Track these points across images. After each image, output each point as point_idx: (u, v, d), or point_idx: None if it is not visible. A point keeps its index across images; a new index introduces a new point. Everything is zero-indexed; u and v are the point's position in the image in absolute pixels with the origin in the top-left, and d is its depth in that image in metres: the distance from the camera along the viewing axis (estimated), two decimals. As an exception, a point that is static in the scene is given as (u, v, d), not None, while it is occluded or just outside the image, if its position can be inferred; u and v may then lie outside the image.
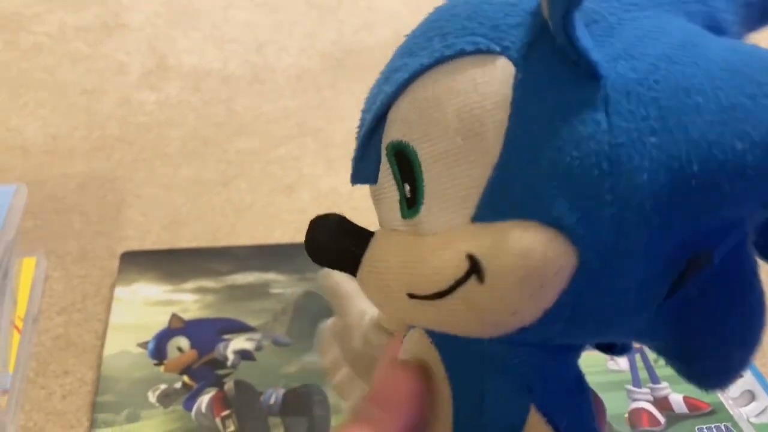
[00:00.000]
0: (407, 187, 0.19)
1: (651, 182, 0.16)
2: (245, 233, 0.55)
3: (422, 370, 0.21)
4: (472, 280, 0.17)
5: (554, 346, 0.19)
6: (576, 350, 0.21)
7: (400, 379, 0.21)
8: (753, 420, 0.39)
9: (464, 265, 0.17)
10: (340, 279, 0.31)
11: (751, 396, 0.40)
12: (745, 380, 0.41)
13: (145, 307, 0.47)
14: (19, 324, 0.45)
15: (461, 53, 0.18)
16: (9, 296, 0.45)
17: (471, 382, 0.20)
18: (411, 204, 0.19)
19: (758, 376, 0.42)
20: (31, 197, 0.52)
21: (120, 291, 0.48)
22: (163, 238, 0.54)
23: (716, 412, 0.37)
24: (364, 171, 0.21)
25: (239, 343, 0.45)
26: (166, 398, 0.42)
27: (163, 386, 0.42)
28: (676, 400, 0.37)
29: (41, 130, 0.64)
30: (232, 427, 0.40)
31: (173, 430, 0.40)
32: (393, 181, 0.20)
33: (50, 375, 0.44)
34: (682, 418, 0.37)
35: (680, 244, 0.17)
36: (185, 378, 0.43)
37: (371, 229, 0.21)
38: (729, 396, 0.40)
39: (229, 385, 0.43)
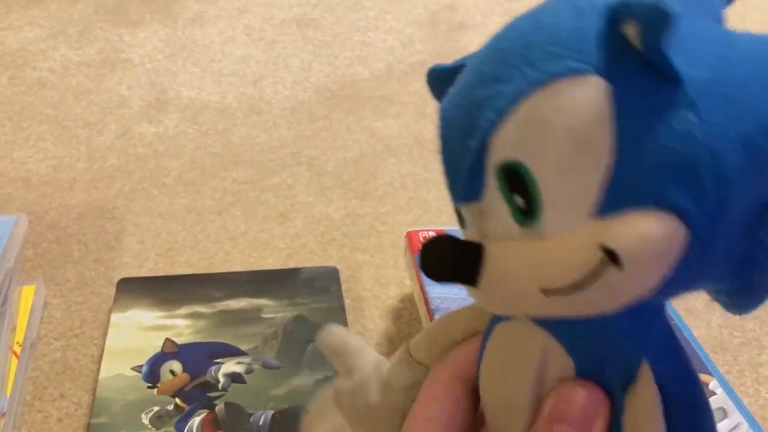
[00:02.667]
0: (519, 200, 0.21)
1: (736, 159, 0.20)
2: (239, 259, 0.56)
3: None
4: (611, 269, 0.20)
5: (650, 303, 0.22)
6: (664, 306, 0.24)
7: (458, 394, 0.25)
8: (726, 436, 0.40)
9: (598, 256, 0.20)
10: (345, 333, 0.31)
11: (724, 413, 0.41)
12: (718, 398, 0.42)
13: (139, 332, 0.48)
14: (17, 349, 0.47)
15: (557, 76, 0.20)
16: (8, 322, 0.46)
17: (591, 351, 0.23)
18: (527, 214, 0.21)
19: (730, 394, 0.43)
20: (32, 227, 0.54)
21: (116, 317, 0.49)
22: (159, 265, 0.56)
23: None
24: (468, 191, 0.22)
25: (230, 366, 0.46)
26: (158, 420, 0.43)
27: (156, 408, 0.44)
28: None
29: (43, 162, 0.66)
30: (222, 448, 0.42)
31: (165, 450, 0.41)
32: (502, 196, 0.21)
33: (47, 398, 0.46)
34: None
35: (758, 199, 0.21)
36: (177, 400, 0.44)
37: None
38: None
39: (219, 407, 0.44)
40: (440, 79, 0.25)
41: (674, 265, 0.20)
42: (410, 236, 0.52)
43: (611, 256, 0.20)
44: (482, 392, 0.26)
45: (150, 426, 0.43)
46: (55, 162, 0.66)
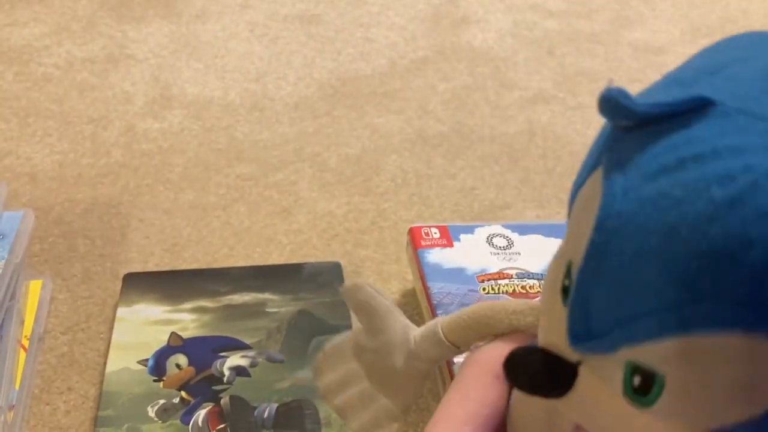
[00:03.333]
0: (637, 379, 0.19)
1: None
2: (243, 255, 0.57)
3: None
4: None
5: None
6: None
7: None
8: None
9: None
10: (374, 293, 0.31)
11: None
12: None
13: (145, 326, 0.49)
14: (26, 343, 0.47)
15: (733, 329, 0.18)
16: (16, 317, 0.47)
17: None
18: (639, 392, 0.19)
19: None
20: (38, 222, 0.55)
21: (122, 311, 0.50)
22: (164, 260, 0.56)
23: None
24: (589, 350, 0.21)
25: (235, 360, 0.47)
26: (164, 413, 0.44)
27: (162, 401, 0.44)
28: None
29: (49, 158, 0.66)
30: (227, 440, 0.42)
31: (171, 442, 0.42)
32: (621, 367, 0.20)
33: (54, 391, 0.46)
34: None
35: None
36: (183, 393, 0.45)
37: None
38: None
39: (224, 400, 0.45)
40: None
41: None
42: (413, 232, 0.52)
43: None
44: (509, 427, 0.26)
45: (156, 419, 0.43)
46: (60, 157, 0.66)
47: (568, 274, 0.21)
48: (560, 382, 0.21)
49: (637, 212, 0.18)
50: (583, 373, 0.21)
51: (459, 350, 0.30)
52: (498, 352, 0.26)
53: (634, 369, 0.19)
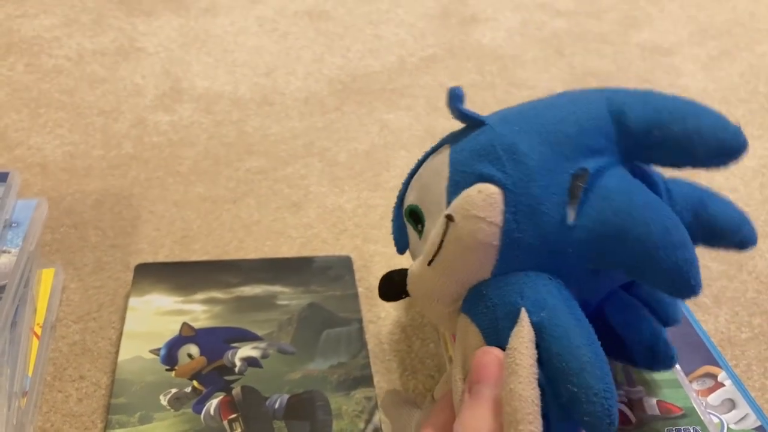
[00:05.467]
0: (419, 227, 0.38)
1: (525, 148, 0.33)
2: (253, 248, 0.57)
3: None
4: (450, 226, 0.33)
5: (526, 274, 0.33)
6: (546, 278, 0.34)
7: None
8: (733, 426, 0.41)
9: (443, 223, 0.33)
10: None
11: (732, 404, 0.42)
12: (726, 389, 0.43)
13: (157, 316, 0.49)
14: (38, 331, 0.48)
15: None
16: (29, 304, 0.47)
17: (489, 316, 0.32)
18: (420, 230, 0.37)
19: (738, 386, 0.44)
20: (49, 212, 0.55)
21: (134, 301, 0.50)
22: (175, 252, 0.56)
23: (687, 416, 0.39)
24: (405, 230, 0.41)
25: (246, 351, 0.47)
26: (176, 401, 0.44)
27: (174, 390, 0.45)
28: (650, 403, 0.40)
29: (60, 149, 0.67)
30: (239, 430, 0.43)
31: (183, 431, 0.42)
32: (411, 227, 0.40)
33: (67, 379, 0.47)
34: (653, 419, 0.39)
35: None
36: (195, 383, 0.45)
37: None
38: (710, 404, 0.42)
39: (236, 390, 0.45)
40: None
41: (499, 231, 0.31)
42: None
43: (448, 218, 0.32)
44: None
45: (168, 407, 0.44)
46: (71, 149, 0.67)
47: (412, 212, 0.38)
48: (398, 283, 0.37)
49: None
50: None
51: None
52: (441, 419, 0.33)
53: (409, 216, 0.38)
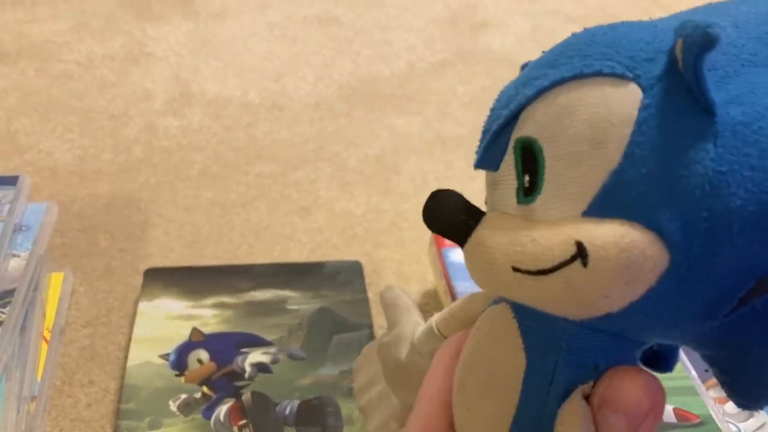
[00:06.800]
0: (527, 178, 0.22)
1: (741, 208, 0.19)
2: (263, 252, 0.57)
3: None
4: (576, 264, 0.20)
5: (624, 338, 0.22)
6: (639, 346, 0.23)
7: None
8: (751, 435, 0.40)
9: (571, 249, 0.21)
10: (400, 292, 0.34)
11: (749, 413, 0.41)
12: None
13: (167, 321, 0.49)
14: (47, 335, 0.47)
15: (598, 73, 0.21)
16: (38, 309, 0.47)
17: (547, 356, 0.23)
18: (528, 193, 0.22)
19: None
20: (59, 216, 0.55)
21: (143, 306, 0.50)
22: (185, 257, 0.56)
23: (705, 423, 0.39)
24: (488, 159, 0.24)
25: (256, 356, 0.47)
26: (186, 407, 0.44)
27: (183, 396, 0.44)
28: (666, 411, 0.39)
29: (69, 153, 0.66)
30: (249, 436, 0.42)
31: (193, 437, 0.42)
32: (514, 171, 0.23)
33: (76, 384, 0.46)
34: (670, 426, 0.39)
35: (755, 266, 0.20)
36: (204, 388, 0.45)
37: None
38: (727, 411, 0.42)
39: (246, 396, 0.45)
40: None
41: (644, 288, 0.20)
42: (435, 232, 0.52)
43: (580, 250, 0.20)
44: (457, 369, 0.26)
45: (178, 413, 0.43)
46: (81, 152, 0.67)
47: None
48: (464, 222, 0.24)
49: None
50: (487, 216, 0.24)
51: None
52: (461, 334, 0.27)
53: (523, 159, 0.22)
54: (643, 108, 0.20)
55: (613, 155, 0.20)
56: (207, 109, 0.73)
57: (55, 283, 0.51)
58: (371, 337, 0.49)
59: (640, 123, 0.20)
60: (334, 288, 0.52)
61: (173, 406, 0.44)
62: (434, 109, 0.75)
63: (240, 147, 0.68)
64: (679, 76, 0.20)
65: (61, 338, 0.49)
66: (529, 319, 0.23)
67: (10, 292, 0.44)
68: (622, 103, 0.20)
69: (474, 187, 0.64)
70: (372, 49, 0.85)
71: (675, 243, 0.20)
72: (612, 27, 0.22)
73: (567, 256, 0.21)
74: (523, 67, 0.26)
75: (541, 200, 0.22)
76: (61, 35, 0.84)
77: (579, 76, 0.21)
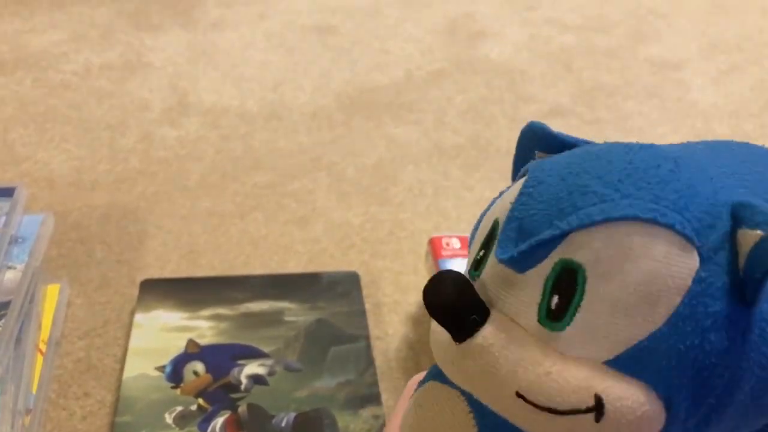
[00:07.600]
0: (555, 299, 0.21)
1: (743, 401, 0.21)
2: (260, 263, 0.57)
3: None
4: (589, 416, 0.20)
5: None
6: None
7: None
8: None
9: (589, 401, 0.20)
10: None
11: None
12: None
13: (163, 333, 0.49)
14: (43, 347, 0.47)
15: (671, 227, 0.20)
16: (34, 321, 0.47)
17: None
18: (555, 317, 0.21)
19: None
20: (56, 227, 0.55)
21: (139, 317, 0.50)
22: (181, 267, 0.56)
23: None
24: (520, 261, 0.22)
25: (253, 368, 0.47)
26: (182, 420, 0.43)
27: (179, 408, 0.44)
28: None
29: (66, 163, 0.66)
30: (245, 449, 0.42)
31: (188, 450, 0.42)
32: (542, 286, 0.21)
33: (71, 396, 0.46)
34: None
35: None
36: (200, 401, 0.45)
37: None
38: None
39: (242, 408, 0.44)
40: (538, 138, 0.25)
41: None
42: (433, 242, 0.52)
43: (598, 406, 0.20)
44: None
45: (173, 425, 0.43)
46: (77, 163, 0.66)
47: (493, 228, 0.23)
48: (468, 315, 0.21)
49: (556, 166, 0.23)
50: (494, 317, 0.22)
51: None
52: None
53: (558, 280, 0.21)
54: (697, 280, 0.20)
55: (659, 318, 0.20)
56: (204, 119, 0.73)
57: (51, 295, 0.51)
58: (368, 348, 0.48)
59: (690, 295, 0.20)
60: (331, 299, 0.52)
61: (169, 419, 0.43)
62: (432, 119, 0.75)
63: (237, 157, 0.68)
64: (734, 257, 0.20)
65: (57, 350, 0.49)
66: (487, 417, 0.23)
67: (6, 305, 0.43)
68: (683, 268, 0.20)
69: (470, 197, 0.64)
70: (370, 58, 0.85)
71: (676, 416, 0.21)
72: (676, 164, 0.21)
73: (583, 406, 0.20)
74: (533, 129, 0.25)
75: (569, 332, 0.20)
76: (58, 45, 0.84)
77: (652, 222, 0.20)
